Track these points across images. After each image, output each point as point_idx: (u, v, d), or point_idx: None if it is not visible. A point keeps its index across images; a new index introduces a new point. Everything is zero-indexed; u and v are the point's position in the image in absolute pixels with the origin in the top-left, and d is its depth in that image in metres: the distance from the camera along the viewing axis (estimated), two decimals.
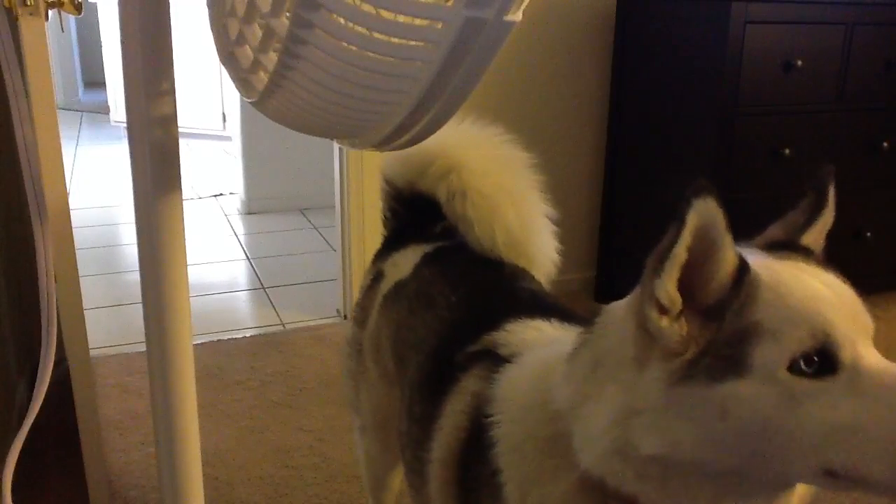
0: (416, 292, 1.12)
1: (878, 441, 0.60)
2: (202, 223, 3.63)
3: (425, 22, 0.47)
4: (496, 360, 0.88)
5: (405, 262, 1.18)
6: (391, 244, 1.26)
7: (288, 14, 0.52)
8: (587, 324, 0.77)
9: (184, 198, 0.75)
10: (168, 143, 0.71)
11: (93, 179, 4.34)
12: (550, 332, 0.94)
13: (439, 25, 0.46)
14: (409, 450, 0.99)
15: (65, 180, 1.27)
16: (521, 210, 1.14)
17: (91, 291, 2.62)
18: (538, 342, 0.91)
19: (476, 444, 0.83)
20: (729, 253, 0.65)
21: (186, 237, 0.76)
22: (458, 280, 1.10)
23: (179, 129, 0.72)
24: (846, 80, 2.26)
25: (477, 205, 1.11)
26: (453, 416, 0.89)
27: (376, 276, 1.23)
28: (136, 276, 0.79)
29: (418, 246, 1.20)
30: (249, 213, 3.76)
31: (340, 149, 2.39)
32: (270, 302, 2.74)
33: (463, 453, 0.86)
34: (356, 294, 1.31)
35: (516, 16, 0.46)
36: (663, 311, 0.66)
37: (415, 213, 1.24)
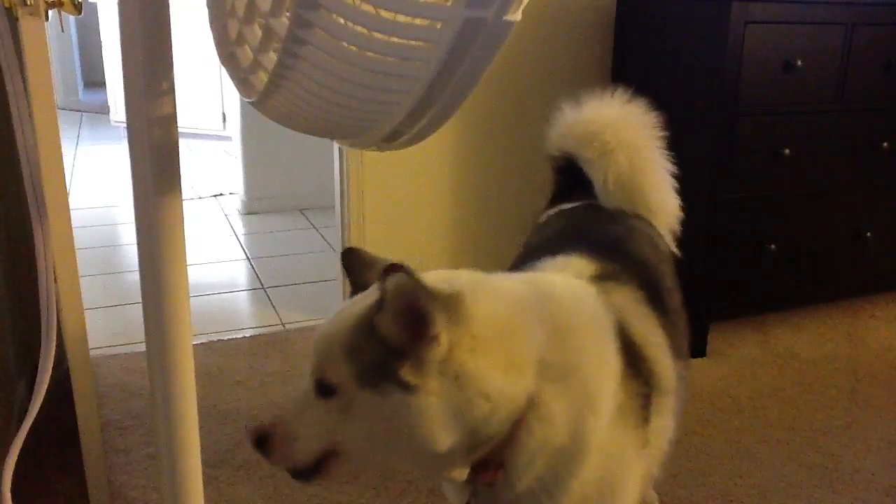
0: (538, 231, 1.39)
1: None
2: (202, 223, 3.63)
3: (425, 22, 0.47)
4: None
5: (550, 214, 1.43)
6: (548, 206, 1.49)
7: (288, 14, 0.52)
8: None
9: (184, 198, 0.75)
10: (168, 143, 0.71)
11: (93, 179, 4.34)
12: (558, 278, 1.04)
13: (439, 25, 0.46)
14: None
15: (65, 180, 1.27)
16: (635, 158, 1.31)
17: (91, 291, 2.63)
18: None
19: None
20: None
21: (186, 237, 0.76)
22: (566, 222, 1.35)
23: (179, 129, 0.72)
24: (846, 80, 2.26)
25: (592, 147, 1.32)
26: None
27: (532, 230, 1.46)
28: (136, 276, 0.79)
29: (565, 205, 1.42)
30: (249, 213, 3.76)
31: (340, 149, 2.39)
32: (270, 302, 2.74)
33: None
34: None
35: (516, 16, 0.46)
36: None
37: (569, 181, 1.45)
